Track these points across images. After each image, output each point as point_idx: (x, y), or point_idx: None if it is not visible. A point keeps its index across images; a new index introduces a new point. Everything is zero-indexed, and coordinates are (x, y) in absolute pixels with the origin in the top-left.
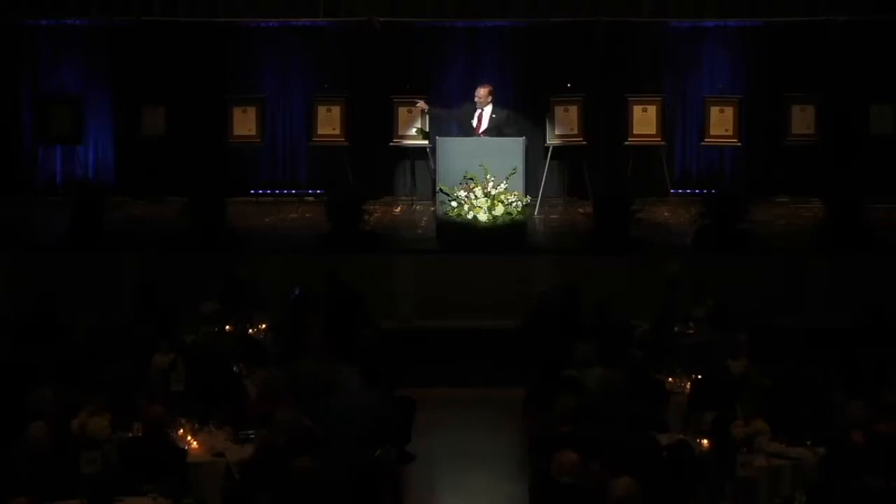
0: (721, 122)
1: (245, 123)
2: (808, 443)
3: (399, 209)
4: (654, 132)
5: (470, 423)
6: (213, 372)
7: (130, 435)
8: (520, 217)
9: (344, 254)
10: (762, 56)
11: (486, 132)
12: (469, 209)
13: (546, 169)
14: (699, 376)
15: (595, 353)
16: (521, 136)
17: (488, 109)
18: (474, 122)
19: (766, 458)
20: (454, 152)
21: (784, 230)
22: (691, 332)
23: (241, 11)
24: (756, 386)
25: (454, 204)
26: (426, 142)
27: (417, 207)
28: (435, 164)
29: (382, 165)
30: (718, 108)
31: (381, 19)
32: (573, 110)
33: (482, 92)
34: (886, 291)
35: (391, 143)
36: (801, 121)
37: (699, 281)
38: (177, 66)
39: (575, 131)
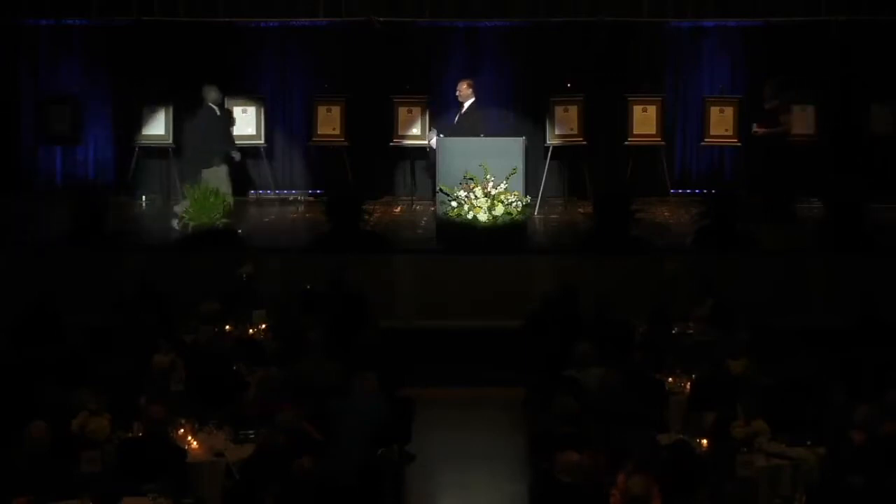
0: (721, 122)
1: (245, 124)
2: (808, 443)
3: (399, 209)
4: (654, 132)
5: (470, 423)
6: (213, 372)
7: (130, 435)
8: (520, 217)
9: (344, 254)
10: (762, 56)
11: (456, 127)
12: (469, 209)
13: (546, 169)
14: (699, 376)
15: (595, 353)
16: (521, 136)
17: (469, 104)
18: (457, 119)
19: (766, 458)
20: (454, 152)
21: (783, 230)
22: (691, 332)
23: (241, 11)
24: (756, 386)
25: (454, 204)
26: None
27: (417, 207)
28: (435, 161)
29: (382, 165)
30: (718, 108)
31: (381, 19)
32: (573, 110)
33: (462, 86)
34: (886, 292)
35: (391, 143)
36: (801, 121)
37: (699, 281)
38: (176, 67)
39: (575, 131)
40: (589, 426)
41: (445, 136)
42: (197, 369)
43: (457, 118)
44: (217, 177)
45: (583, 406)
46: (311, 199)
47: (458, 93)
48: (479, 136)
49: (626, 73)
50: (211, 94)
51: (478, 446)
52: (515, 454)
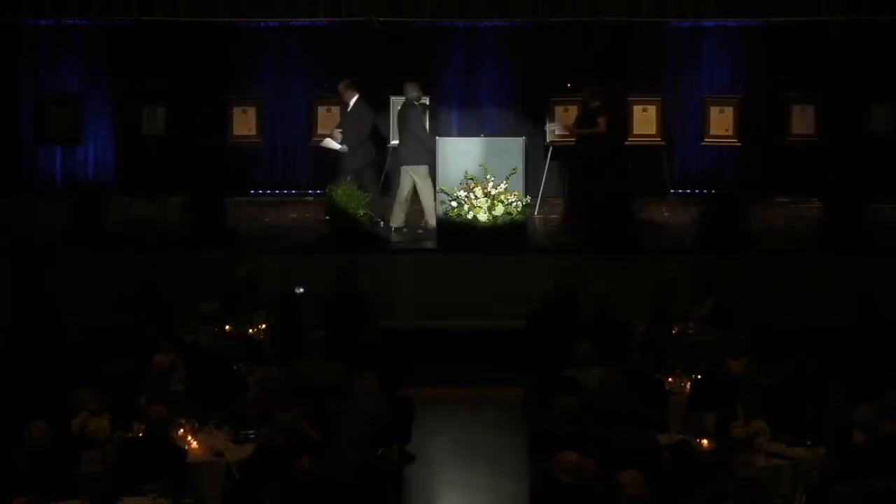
0: (721, 122)
1: (245, 123)
2: (808, 443)
3: None
4: (654, 132)
5: (470, 423)
6: (213, 372)
7: (130, 435)
8: (520, 217)
9: (344, 254)
10: (762, 56)
11: (345, 127)
12: (469, 209)
13: (546, 169)
14: (699, 376)
15: (595, 353)
16: (521, 136)
17: (353, 102)
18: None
19: (766, 458)
20: (454, 152)
21: (784, 230)
22: (691, 332)
23: (241, 11)
24: (756, 386)
25: (454, 204)
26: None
27: (417, 207)
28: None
29: (383, 165)
30: (718, 108)
31: (381, 19)
32: (573, 110)
33: (341, 87)
34: (886, 292)
35: (391, 144)
36: (801, 121)
37: (699, 281)
38: (176, 66)
39: None
40: (589, 426)
41: (339, 135)
42: (197, 369)
43: (343, 119)
44: (420, 174)
45: (583, 406)
46: (311, 198)
47: (340, 95)
48: (368, 132)
49: (626, 73)
50: (412, 92)
51: (478, 446)
52: (516, 454)
